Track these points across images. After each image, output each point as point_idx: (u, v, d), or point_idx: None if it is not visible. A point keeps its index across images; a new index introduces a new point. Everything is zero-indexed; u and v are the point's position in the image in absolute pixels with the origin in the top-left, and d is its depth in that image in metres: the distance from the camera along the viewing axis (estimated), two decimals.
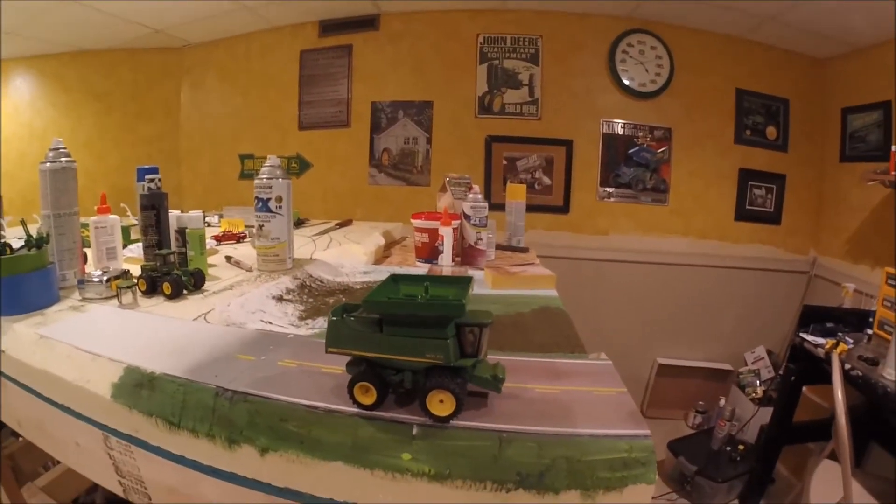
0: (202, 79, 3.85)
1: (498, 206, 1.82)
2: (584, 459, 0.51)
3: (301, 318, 0.98)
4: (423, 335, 0.53)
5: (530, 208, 1.90)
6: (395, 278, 0.61)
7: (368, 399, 0.56)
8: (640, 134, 3.23)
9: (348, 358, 0.59)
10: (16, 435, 1.31)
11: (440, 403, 0.54)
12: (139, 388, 0.70)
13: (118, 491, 0.79)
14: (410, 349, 0.54)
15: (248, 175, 3.72)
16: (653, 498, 1.94)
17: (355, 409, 0.58)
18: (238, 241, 1.85)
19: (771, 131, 3.25)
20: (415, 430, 0.56)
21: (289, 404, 0.61)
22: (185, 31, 3.55)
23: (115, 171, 3.54)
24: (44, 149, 3.28)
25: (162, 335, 0.88)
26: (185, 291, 1.12)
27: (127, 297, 1.05)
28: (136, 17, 3.22)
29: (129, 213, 1.87)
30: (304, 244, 1.75)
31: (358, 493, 0.55)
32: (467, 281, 0.60)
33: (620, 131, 3.24)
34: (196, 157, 3.86)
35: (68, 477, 1.33)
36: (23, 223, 1.10)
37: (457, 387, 0.53)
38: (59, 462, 1.36)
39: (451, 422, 0.55)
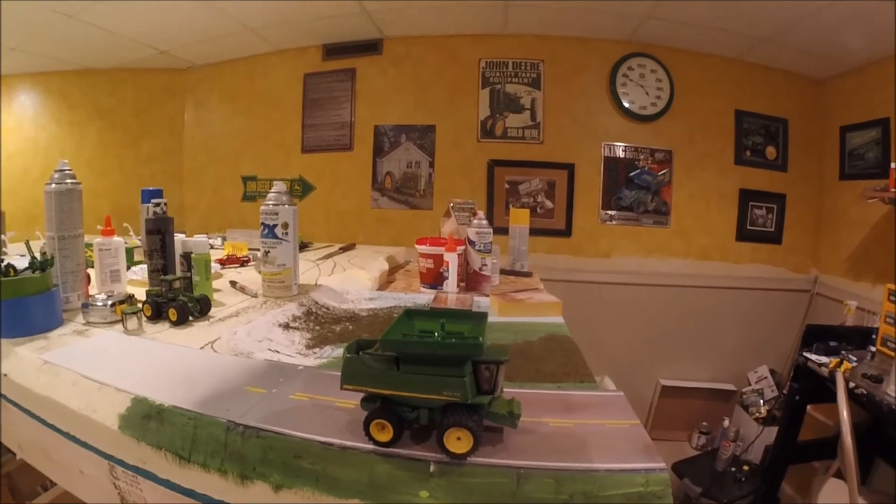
0: (206, 99, 3.89)
1: (501, 230, 1.83)
2: (601, 494, 0.52)
3: (308, 347, 0.98)
4: (441, 373, 0.54)
5: (532, 231, 1.91)
6: (409, 313, 0.62)
7: (385, 436, 0.56)
8: (641, 156, 3.25)
9: (363, 393, 0.60)
10: (14, 453, 1.31)
11: (458, 441, 0.54)
12: (147, 419, 0.69)
13: None
14: (427, 387, 0.54)
15: (250, 197, 3.73)
16: None
17: (371, 446, 0.58)
18: (242, 265, 1.85)
19: (770, 151, 3.27)
20: (432, 468, 0.56)
21: (302, 440, 0.60)
22: (189, 52, 3.59)
23: (118, 189, 3.55)
24: (47, 165, 3.31)
25: (169, 364, 0.87)
26: (190, 318, 1.12)
27: (132, 323, 1.04)
28: (142, 37, 3.26)
29: (131, 233, 1.86)
30: (308, 268, 1.75)
31: None
32: (482, 317, 0.60)
33: (622, 154, 3.26)
34: (199, 177, 3.88)
35: (68, 497, 1.32)
36: (27, 245, 1.11)
37: (474, 424, 0.53)
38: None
39: (468, 459, 0.55)
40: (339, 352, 0.93)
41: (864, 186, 2.64)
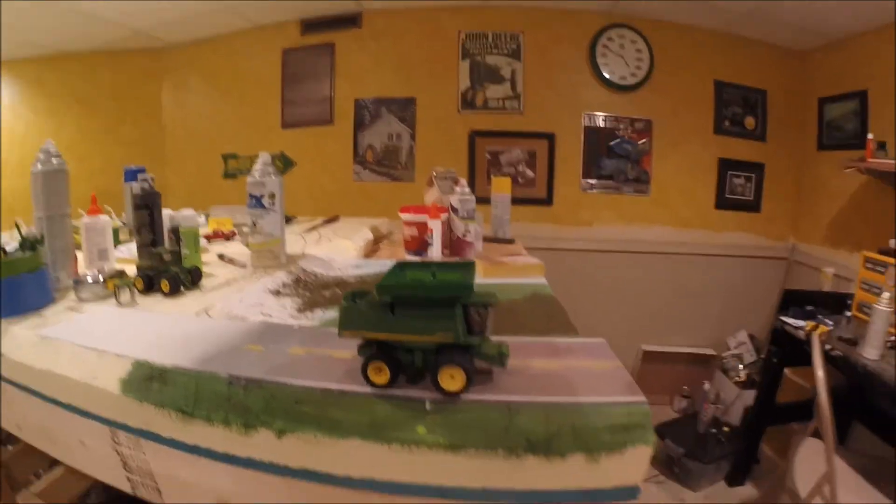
0: (184, 79, 3.83)
1: (483, 200, 1.84)
2: (587, 425, 0.55)
3: (300, 311, 1.00)
4: (433, 315, 0.57)
5: (514, 201, 1.93)
6: (401, 265, 0.64)
7: (382, 378, 0.60)
8: (622, 126, 3.28)
9: (358, 342, 0.62)
10: (4, 444, 1.32)
11: (451, 379, 0.57)
12: (149, 381, 0.71)
13: (126, 488, 0.80)
14: (421, 329, 0.57)
15: (231, 175, 3.71)
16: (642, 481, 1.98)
17: (369, 389, 0.61)
18: (228, 240, 1.86)
19: (750, 122, 3.31)
20: (428, 406, 0.59)
21: (303, 388, 0.63)
22: (165, 31, 3.52)
23: (99, 174, 3.46)
24: (24, 154, 3.25)
25: (166, 330, 0.89)
26: (182, 289, 1.14)
27: (125, 296, 1.06)
28: (116, 17, 3.18)
29: (113, 216, 1.86)
30: (294, 241, 1.75)
31: (375, 468, 0.58)
32: (471, 265, 0.63)
33: (602, 124, 3.28)
34: (180, 158, 3.84)
35: (62, 483, 1.34)
36: (16, 225, 1.11)
37: (466, 362, 0.57)
38: (51, 469, 1.37)
39: (461, 396, 0.59)
40: (329, 314, 0.95)
41: (842, 157, 2.69)
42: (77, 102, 3.80)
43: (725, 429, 2.72)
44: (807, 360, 1.80)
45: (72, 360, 0.80)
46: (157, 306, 1.04)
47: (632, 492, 0.56)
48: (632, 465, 0.55)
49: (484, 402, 0.58)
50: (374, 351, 0.60)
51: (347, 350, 0.71)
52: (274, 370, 0.68)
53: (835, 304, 2.28)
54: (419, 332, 0.57)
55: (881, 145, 2.41)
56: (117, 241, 1.64)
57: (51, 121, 3.79)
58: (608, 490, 0.56)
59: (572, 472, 0.55)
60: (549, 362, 0.69)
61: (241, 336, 0.83)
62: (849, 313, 2.19)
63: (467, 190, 1.53)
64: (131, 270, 1.18)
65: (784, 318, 2.23)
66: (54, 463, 1.38)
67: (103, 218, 1.29)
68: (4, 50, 3.50)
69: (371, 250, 1.72)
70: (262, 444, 0.63)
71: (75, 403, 0.78)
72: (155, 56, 3.81)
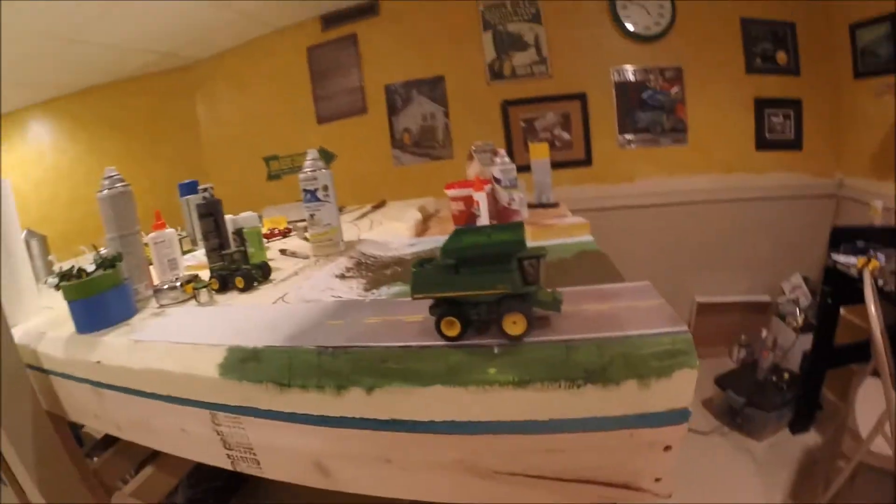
0: (214, 91, 3.97)
1: (523, 168, 1.88)
2: (636, 353, 0.62)
3: (366, 290, 1.06)
4: (492, 270, 0.65)
5: (553, 165, 1.95)
6: (458, 232, 0.72)
7: (454, 331, 0.68)
8: (652, 77, 3.24)
9: (429, 304, 0.71)
10: (90, 456, 1.42)
11: (513, 325, 0.66)
12: (245, 362, 0.79)
13: (226, 464, 0.88)
14: (483, 283, 0.65)
15: (275, 176, 3.85)
16: (705, 434, 2.01)
17: (443, 343, 0.70)
18: (285, 236, 1.95)
19: (781, 56, 3.22)
20: (496, 350, 0.67)
21: (385, 348, 0.72)
22: (190, 48, 3.65)
23: (147, 194, 3.65)
24: (73, 187, 3.48)
25: (250, 319, 0.96)
26: (255, 283, 1.23)
27: (204, 296, 1.14)
28: (142, 44, 3.32)
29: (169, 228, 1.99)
30: (347, 228, 1.82)
31: (456, 409, 0.66)
32: (520, 224, 0.71)
33: (632, 77, 3.26)
34: (221, 168, 3.99)
35: (150, 483, 1.40)
36: (93, 247, 1.22)
37: (525, 309, 0.65)
38: (137, 474, 1.49)
39: (524, 339, 0.67)
40: (395, 289, 1.02)
41: (877, 82, 2.60)
42: (115, 130, 3.96)
43: (786, 375, 2.68)
44: (861, 298, 1.76)
45: (167, 356, 0.88)
46: (234, 301, 1.12)
47: (683, 413, 0.62)
48: (680, 388, 0.61)
49: (544, 343, 0.66)
50: (444, 308, 0.68)
51: (417, 314, 0.80)
52: (356, 337, 0.76)
53: (887, 237, 2.22)
54: (482, 287, 0.65)
55: None
56: (182, 251, 1.77)
57: (94, 150, 3.97)
58: (661, 413, 0.62)
59: (627, 398, 0.62)
60: (599, 305, 0.75)
61: (320, 314, 0.90)
62: None
63: (507, 159, 1.58)
64: (201, 275, 1.26)
65: (835, 256, 2.19)
66: (140, 467, 1.46)
67: (169, 231, 1.37)
68: (34, 95, 3.69)
69: (422, 229, 1.79)
70: (353, 402, 0.70)
71: (175, 394, 0.86)
72: (183, 73, 3.95)
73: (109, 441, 1.46)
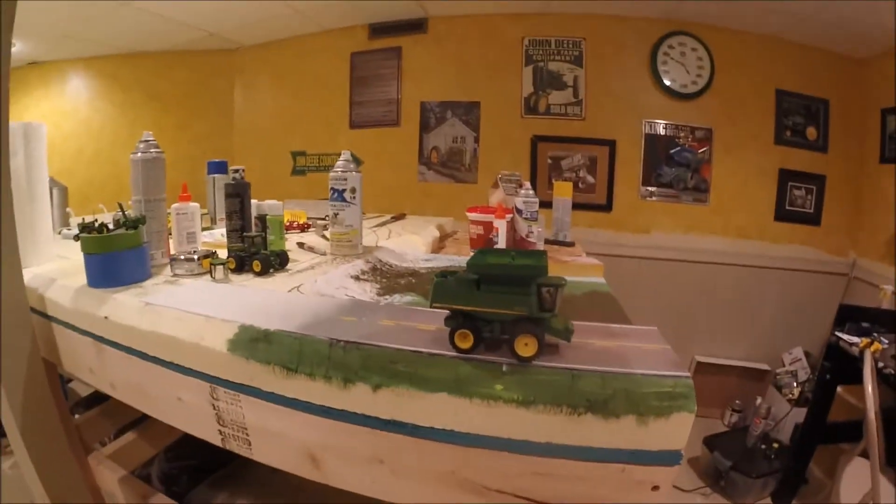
0: (255, 79, 4.05)
1: (543, 204, 1.90)
2: (638, 391, 0.64)
3: (379, 295, 1.08)
4: (512, 292, 0.68)
5: (574, 206, 1.99)
6: (483, 251, 0.75)
7: (466, 344, 0.71)
8: (682, 134, 3.31)
9: (445, 315, 0.73)
10: (72, 412, 1.41)
11: (525, 346, 0.68)
12: (255, 342, 0.80)
13: (216, 440, 0.89)
14: (502, 303, 0.68)
15: (300, 171, 3.90)
16: (687, 491, 2.01)
17: (454, 353, 0.72)
18: (303, 231, 1.97)
19: (811, 132, 3.28)
20: (504, 368, 0.69)
21: (397, 350, 0.74)
22: (238, 33, 3.74)
23: (172, 167, 3.71)
24: (99, 146, 3.53)
25: (265, 302, 0.97)
26: (271, 270, 1.25)
27: (219, 273, 1.17)
28: (193, 20, 3.40)
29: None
30: (365, 234, 1.83)
31: (457, 419, 0.68)
32: (543, 253, 0.74)
33: (662, 131, 3.32)
34: (248, 154, 4.04)
35: (129, 448, 1.40)
36: (119, 206, 1.25)
37: (539, 333, 0.68)
38: (116, 438, 1.49)
39: (533, 362, 0.69)
40: (407, 298, 1.03)
41: None
42: (151, 99, 4.04)
43: (775, 445, 2.69)
44: (860, 378, 1.80)
45: (177, 323, 0.89)
46: (249, 283, 1.14)
47: (675, 456, 0.64)
48: (676, 430, 0.63)
49: (551, 368, 0.68)
50: (460, 321, 0.71)
51: (431, 324, 0.82)
52: (368, 336, 0.78)
53: (892, 322, 2.24)
54: (500, 306, 0.68)
55: None
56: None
57: (126, 115, 4.04)
58: (655, 452, 0.64)
59: (624, 433, 0.64)
60: (606, 342, 0.78)
61: (335, 309, 0.92)
62: None
63: (531, 192, 1.60)
64: (220, 253, 1.29)
65: (839, 334, 2.21)
66: (120, 432, 1.46)
67: (193, 205, 1.41)
68: (80, 49, 3.75)
69: (438, 247, 1.82)
70: (358, 397, 0.72)
71: (178, 361, 0.87)
72: (227, 56, 4.03)
73: (93, 401, 1.46)
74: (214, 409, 0.86)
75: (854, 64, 3.25)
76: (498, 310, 0.68)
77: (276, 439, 0.83)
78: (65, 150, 3.91)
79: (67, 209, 1.96)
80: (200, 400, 0.86)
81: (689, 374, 0.66)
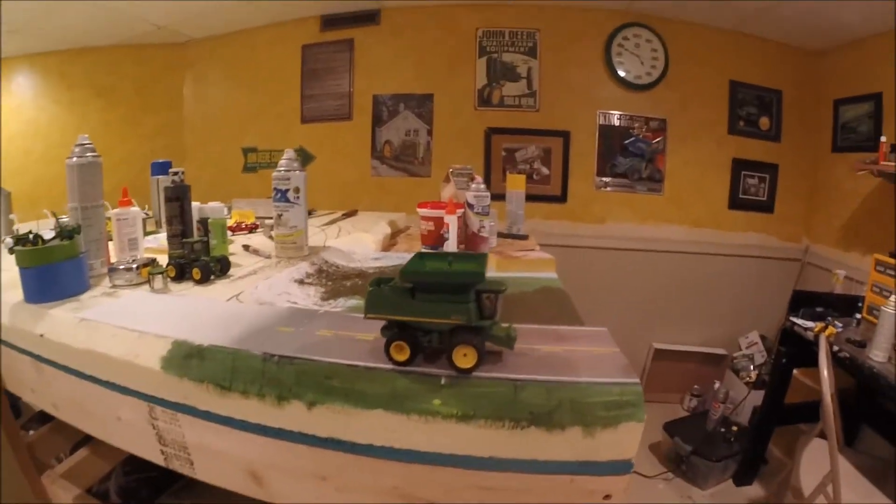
0: (205, 73, 3.91)
1: (498, 196, 1.88)
2: (584, 401, 0.61)
3: (323, 299, 1.04)
4: (450, 300, 0.63)
5: (529, 198, 1.97)
6: (421, 255, 0.71)
7: (403, 356, 0.67)
8: (636, 125, 3.32)
9: (382, 324, 0.69)
10: (26, 429, 1.37)
11: (464, 357, 0.64)
12: (189, 358, 0.77)
13: (159, 460, 0.85)
14: (438, 312, 0.64)
15: (251, 168, 3.79)
16: (650, 477, 2.03)
17: (391, 366, 0.68)
18: (250, 232, 1.91)
19: (764, 122, 3.33)
20: (443, 381, 0.66)
21: (331, 364, 0.70)
22: (188, 26, 3.61)
23: (121, 166, 3.55)
24: (48, 146, 3.37)
25: (201, 313, 0.94)
26: (212, 277, 1.19)
27: (158, 282, 1.11)
28: (140, 13, 3.26)
29: (135, 206, 1.93)
30: (314, 233, 1.81)
31: (395, 436, 0.64)
32: (483, 256, 0.70)
33: (617, 122, 3.32)
34: (200, 151, 3.92)
35: (85, 465, 1.38)
36: (54, 215, 1.18)
37: (478, 342, 0.64)
38: (72, 454, 1.43)
39: (473, 373, 0.65)
40: (351, 302, 1.00)
41: (856, 159, 2.70)
42: (99, 95, 3.86)
43: (734, 428, 2.74)
44: (815, 361, 1.82)
45: (112, 339, 0.85)
46: (189, 293, 1.09)
47: (626, 465, 0.62)
48: (625, 439, 0.61)
49: (493, 379, 0.65)
50: (395, 331, 0.67)
51: (370, 332, 0.78)
52: (304, 349, 0.74)
53: (845, 306, 2.30)
54: (437, 315, 0.64)
55: (894, 148, 2.43)
56: (144, 233, 1.72)
57: (74, 113, 3.86)
58: (604, 463, 0.62)
59: (571, 444, 0.61)
60: (553, 346, 0.75)
61: (272, 319, 0.88)
62: (859, 316, 2.21)
63: (483, 186, 1.57)
64: (161, 260, 1.23)
65: (794, 319, 2.25)
66: (76, 447, 1.40)
67: (134, 209, 1.35)
68: (26, 45, 3.57)
69: (389, 244, 1.78)
70: (293, 415, 0.68)
71: (115, 380, 0.83)
72: (176, 50, 3.88)
73: (47, 415, 1.40)
74: (154, 428, 0.82)
75: (807, 56, 3.31)
76: (434, 319, 0.64)
77: (217, 458, 0.79)
78: (12, 150, 3.71)
79: (11, 216, 1.85)
80: (140, 419, 0.83)
81: (637, 380, 0.63)
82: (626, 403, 0.61)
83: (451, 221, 1.48)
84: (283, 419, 0.70)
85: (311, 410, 0.67)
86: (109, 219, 1.31)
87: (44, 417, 1.41)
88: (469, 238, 1.58)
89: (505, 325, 0.68)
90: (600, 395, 0.62)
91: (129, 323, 0.88)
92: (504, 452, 0.62)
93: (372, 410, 0.65)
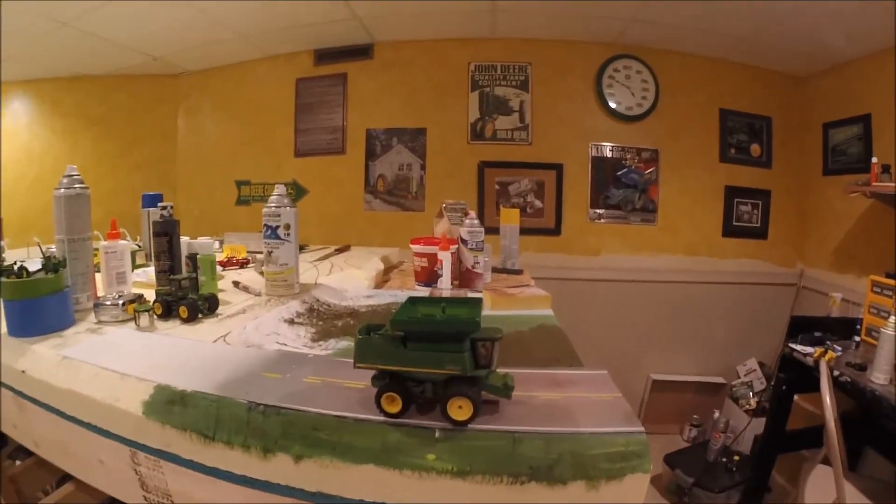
0: (198, 105, 3.92)
1: (491, 230, 1.86)
2: (587, 453, 0.58)
3: (313, 340, 1.02)
4: (443, 349, 0.61)
5: (523, 231, 1.96)
6: (412, 300, 0.68)
7: (394, 408, 0.63)
8: (628, 156, 3.33)
9: (372, 372, 0.66)
10: (13, 458, 1.34)
11: (459, 409, 0.61)
12: (171, 404, 0.74)
13: None
14: (432, 362, 0.61)
15: (244, 201, 3.77)
16: None
17: (382, 418, 0.65)
18: (242, 267, 1.89)
19: (755, 149, 3.36)
20: (437, 434, 0.62)
21: (319, 415, 0.66)
22: (182, 58, 3.63)
23: (112, 196, 3.54)
24: (41, 172, 3.35)
25: (186, 355, 0.91)
26: (200, 315, 1.16)
27: (144, 320, 1.08)
28: (135, 44, 3.29)
29: (127, 238, 1.91)
30: (306, 269, 1.78)
31: (387, 492, 0.61)
32: (478, 301, 0.67)
33: (609, 154, 3.33)
34: (192, 183, 3.91)
35: (71, 499, 1.35)
36: (39, 247, 1.15)
37: (473, 394, 0.60)
38: (60, 486, 1.39)
39: (469, 425, 0.62)
40: (342, 344, 0.97)
41: (848, 181, 2.72)
42: (92, 124, 3.87)
43: (736, 457, 2.70)
44: (816, 387, 1.81)
45: (94, 380, 0.82)
46: (175, 332, 1.07)
47: None
48: (631, 491, 0.58)
49: (490, 432, 0.62)
50: (387, 381, 0.64)
51: (361, 380, 0.74)
52: (291, 397, 0.71)
53: (843, 329, 2.27)
54: (430, 365, 0.61)
55: (885, 168, 2.44)
56: (134, 265, 1.69)
57: (66, 141, 3.86)
58: None
59: (573, 499, 0.58)
60: (552, 393, 0.72)
61: (259, 363, 0.86)
62: (857, 338, 2.18)
63: (476, 222, 1.56)
64: (148, 294, 1.20)
65: (792, 345, 2.22)
66: (62, 480, 1.40)
67: (122, 243, 1.33)
68: (21, 71, 3.60)
69: (382, 280, 1.75)
70: (279, 467, 0.65)
71: (96, 423, 0.81)
72: (171, 81, 3.90)
73: None
74: (137, 473, 0.79)
75: (795, 81, 3.35)
76: (427, 369, 0.61)
77: None
78: (5, 175, 3.68)
79: (1, 242, 1.82)
80: (122, 464, 0.80)
81: (642, 428, 0.61)
82: (631, 454, 0.58)
83: (445, 258, 1.46)
84: (269, 472, 0.66)
85: (299, 464, 0.64)
86: (98, 250, 1.28)
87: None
88: (463, 274, 1.57)
89: (502, 372, 0.65)
90: (603, 447, 0.59)
91: (112, 363, 0.86)
92: None
93: (362, 465, 0.61)
